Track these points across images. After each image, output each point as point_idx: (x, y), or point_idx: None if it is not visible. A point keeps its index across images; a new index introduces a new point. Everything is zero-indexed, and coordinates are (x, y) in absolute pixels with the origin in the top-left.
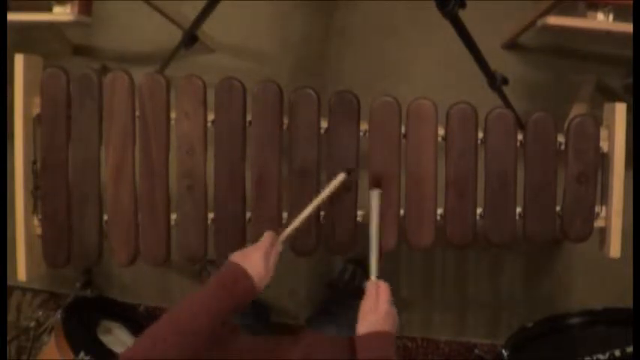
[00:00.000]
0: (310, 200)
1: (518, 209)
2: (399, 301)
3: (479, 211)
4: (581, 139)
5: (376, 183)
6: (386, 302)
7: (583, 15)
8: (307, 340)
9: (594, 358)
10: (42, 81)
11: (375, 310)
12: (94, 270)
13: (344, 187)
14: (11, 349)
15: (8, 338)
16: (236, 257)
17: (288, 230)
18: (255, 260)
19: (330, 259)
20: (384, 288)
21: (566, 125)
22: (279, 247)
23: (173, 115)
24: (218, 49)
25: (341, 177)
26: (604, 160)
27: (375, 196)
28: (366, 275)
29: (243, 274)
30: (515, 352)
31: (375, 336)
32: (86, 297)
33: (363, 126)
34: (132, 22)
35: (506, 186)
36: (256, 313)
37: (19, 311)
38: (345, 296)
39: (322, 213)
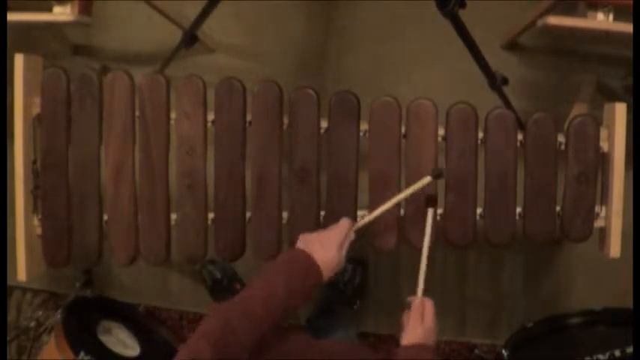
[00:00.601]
0: (310, 201)
1: (518, 209)
2: (399, 301)
3: (479, 211)
4: (581, 139)
5: (431, 202)
6: (431, 319)
7: (583, 15)
8: (328, 349)
9: (594, 358)
10: (42, 81)
11: (421, 324)
12: (94, 270)
13: (435, 176)
14: (11, 349)
15: (8, 338)
16: (311, 244)
17: (364, 221)
18: (331, 250)
19: None
20: (429, 305)
21: (566, 125)
22: (351, 236)
23: (173, 115)
24: (218, 49)
25: (427, 180)
26: (604, 160)
27: (430, 214)
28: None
29: (315, 270)
30: (515, 352)
31: (418, 348)
32: (86, 297)
33: (363, 126)
34: (132, 22)
35: (506, 186)
36: None
37: (19, 311)
38: (345, 296)
39: (322, 213)
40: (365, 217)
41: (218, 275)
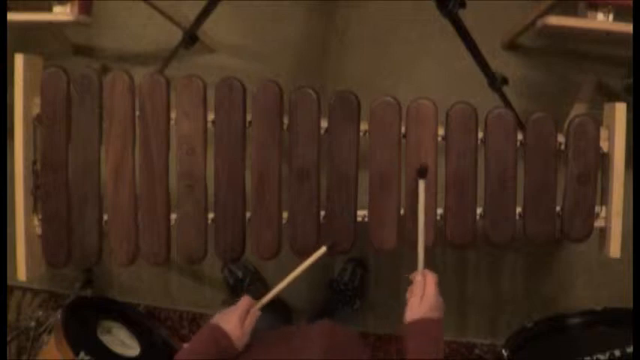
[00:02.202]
0: (310, 201)
1: (518, 209)
2: (399, 301)
3: (479, 211)
4: (581, 139)
5: (423, 173)
6: (433, 290)
7: (583, 15)
8: (325, 329)
9: (594, 358)
10: (42, 81)
11: (423, 298)
12: (94, 270)
13: (328, 252)
14: (11, 349)
15: (8, 338)
16: (216, 319)
17: (266, 298)
18: (233, 322)
19: (330, 259)
20: (431, 277)
21: (566, 125)
22: (256, 312)
23: (173, 115)
24: (218, 49)
25: (321, 251)
26: (604, 160)
27: (421, 185)
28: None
29: (223, 335)
30: (515, 352)
31: (422, 322)
32: (86, 297)
33: (363, 126)
34: (132, 22)
35: (506, 186)
36: (278, 313)
37: (19, 311)
38: (345, 296)
39: (322, 213)
40: (268, 294)
41: (240, 274)
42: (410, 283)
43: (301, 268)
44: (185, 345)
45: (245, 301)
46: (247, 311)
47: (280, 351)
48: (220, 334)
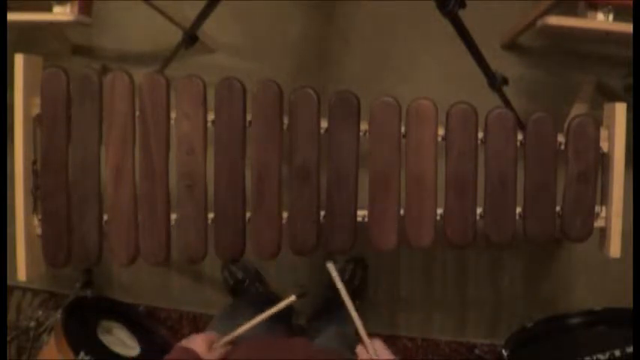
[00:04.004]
0: (310, 201)
1: (518, 209)
2: (399, 301)
3: (479, 211)
4: (581, 139)
5: (329, 255)
6: (387, 355)
7: (583, 15)
8: (302, 352)
9: (594, 358)
10: (42, 81)
11: None
12: (94, 270)
13: (299, 296)
14: (11, 349)
15: (8, 338)
16: (182, 342)
17: (228, 337)
18: (198, 343)
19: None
20: (380, 346)
21: (566, 125)
22: (220, 349)
23: (173, 115)
24: (218, 49)
25: (291, 298)
26: (604, 160)
27: (331, 267)
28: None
29: (191, 354)
30: (515, 352)
31: None
32: (86, 297)
33: (363, 126)
34: (132, 22)
35: (506, 186)
36: (278, 314)
37: (19, 311)
38: None
39: (322, 213)
40: (230, 335)
41: (240, 275)
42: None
43: (267, 314)
44: None
45: (210, 335)
46: (210, 342)
47: None
48: (190, 353)
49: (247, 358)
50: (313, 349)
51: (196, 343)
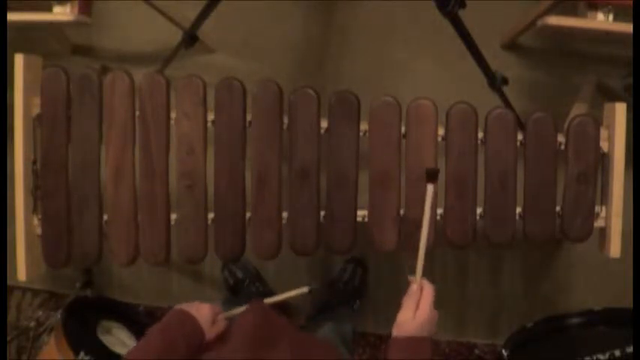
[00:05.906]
0: (310, 201)
1: (518, 209)
2: (398, 301)
3: (479, 211)
4: (581, 139)
5: (432, 177)
6: (428, 305)
7: (583, 15)
8: (295, 338)
9: (594, 358)
10: (42, 81)
11: (417, 313)
12: (94, 270)
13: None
14: (11, 349)
15: (8, 338)
16: (181, 305)
17: (230, 313)
18: (205, 312)
19: (330, 259)
20: (428, 289)
21: (566, 125)
22: (222, 322)
23: (173, 115)
24: (218, 49)
25: (303, 289)
26: (604, 160)
27: (429, 190)
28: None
29: (188, 316)
30: (515, 352)
31: (414, 342)
32: (86, 297)
33: (363, 126)
34: (132, 22)
35: (506, 186)
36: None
37: (19, 311)
38: (345, 296)
39: (322, 213)
40: (234, 310)
41: (240, 275)
42: (409, 284)
43: (276, 299)
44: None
45: (217, 308)
46: (215, 314)
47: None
48: (187, 316)
49: (253, 322)
50: (304, 333)
51: (202, 312)
